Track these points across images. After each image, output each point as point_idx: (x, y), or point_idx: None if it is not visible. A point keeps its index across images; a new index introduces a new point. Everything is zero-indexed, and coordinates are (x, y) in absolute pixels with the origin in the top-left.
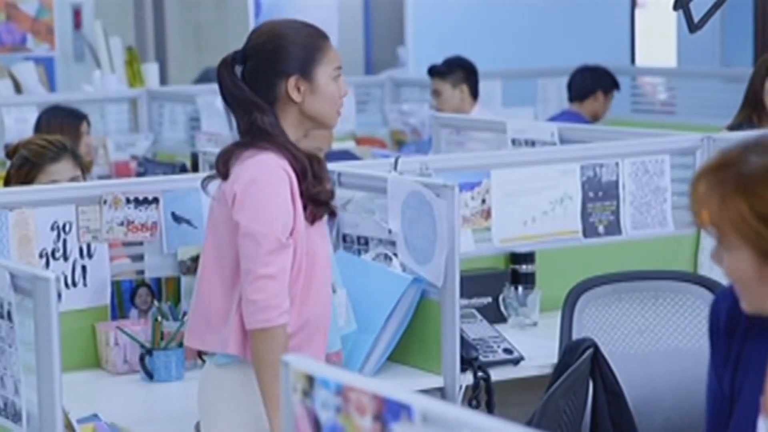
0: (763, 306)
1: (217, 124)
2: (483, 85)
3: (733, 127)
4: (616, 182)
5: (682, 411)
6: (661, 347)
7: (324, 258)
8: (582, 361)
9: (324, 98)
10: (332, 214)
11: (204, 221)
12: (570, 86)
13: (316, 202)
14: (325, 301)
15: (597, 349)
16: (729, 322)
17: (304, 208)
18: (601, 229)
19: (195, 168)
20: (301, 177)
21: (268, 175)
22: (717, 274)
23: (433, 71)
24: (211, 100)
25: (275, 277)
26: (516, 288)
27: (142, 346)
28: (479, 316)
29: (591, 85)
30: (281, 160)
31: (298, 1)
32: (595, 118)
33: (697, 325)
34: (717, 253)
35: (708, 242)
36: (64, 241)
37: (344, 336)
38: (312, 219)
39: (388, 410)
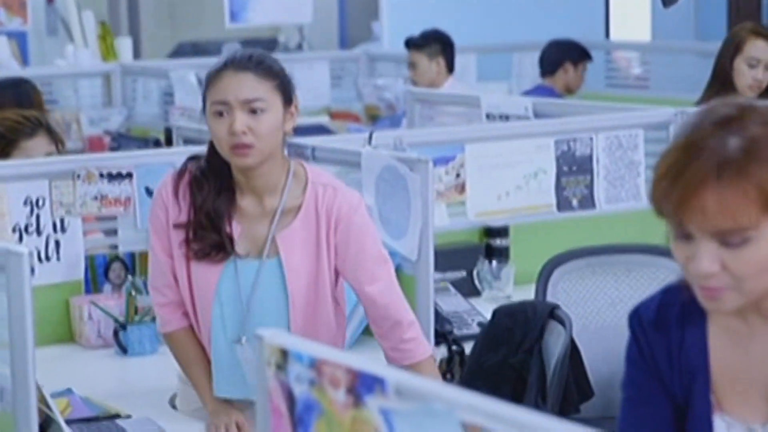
0: None
1: (191, 99)
2: (458, 60)
3: (702, 103)
4: (590, 156)
5: None
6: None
7: (208, 299)
8: (523, 321)
9: (213, 137)
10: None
11: None
12: (541, 61)
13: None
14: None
15: (555, 309)
16: (658, 335)
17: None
18: (575, 203)
19: (169, 142)
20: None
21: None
22: None
23: (410, 43)
24: (184, 74)
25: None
26: (490, 262)
27: (116, 320)
28: (453, 290)
29: (559, 57)
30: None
31: None
32: (569, 91)
33: None
34: (720, 261)
35: None
36: (38, 216)
37: None
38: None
39: (362, 383)
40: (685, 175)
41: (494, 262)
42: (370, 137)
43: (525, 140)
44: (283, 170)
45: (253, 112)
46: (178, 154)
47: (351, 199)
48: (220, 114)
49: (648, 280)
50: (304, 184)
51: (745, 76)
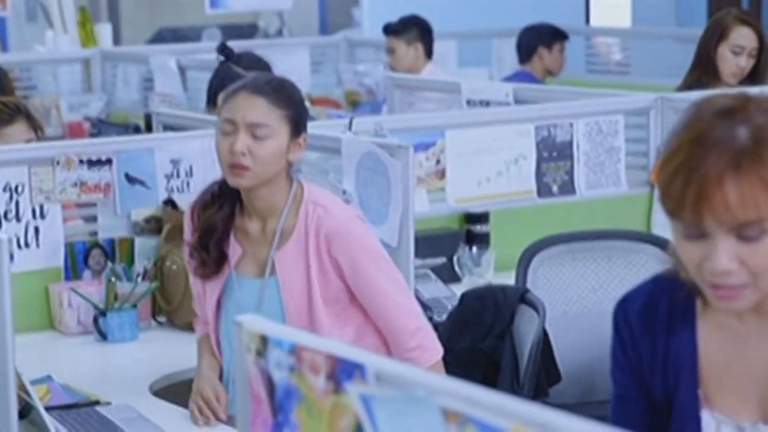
0: None
1: (171, 85)
2: (438, 46)
3: (683, 88)
4: (571, 142)
5: None
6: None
7: (214, 315)
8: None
9: (216, 153)
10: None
11: (157, 182)
12: (518, 47)
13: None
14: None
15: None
16: (644, 327)
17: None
18: (555, 188)
19: (149, 129)
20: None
21: None
22: (669, 233)
23: (389, 29)
24: (164, 60)
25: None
26: (470, 248)
27: (96, 307)
28: (434, 276)
29: (532, 43)
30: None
31: None
32: (550, 73)
33: None
34: (738, 257)
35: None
36: (17, 203)
37: None
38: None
39: (342, 370)
40: (700, 170)
41: (474, 248)
42: (351, 123)
43: (505, 126)
44: (286, 193)
45: (256, 136)
46: (158, 140)
47: (341, 215)
48: (227, 132)
49: (628, 265)
50: (299, 204)
51: (729, 62)
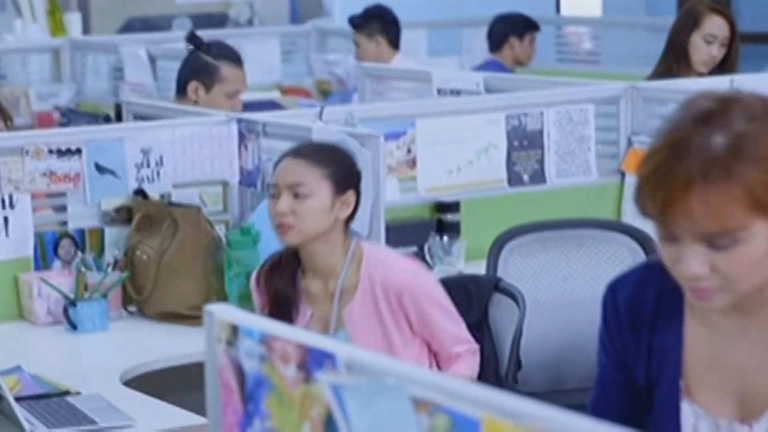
0: (761, 284)
1: (141, 75)
2: (408, 35)
3: (653, 77)
4: (541, 131)
5: None
6: (585, 295)
7: None
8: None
9: None
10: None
11: (127, 172)
12: (489, 36)
13: None
14: None
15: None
16: (631, 315)
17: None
18: (525, 177)
19: (119, 118)
20: None
21: None
22: (640, 222)
23: (352, 22)
24: (134, 50)
25: None
26: (441, 237)
27: (66, 297)
28: None
29: (504, 33)
30: None
31: None
32: (519, 63)
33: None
34: (709, 263)
35: (631, 191)
36: None
37: None
38: None
39: (312, 359)
40: (670, 177)
41: (445, 237)
42: (321, 112)
43: (476, 115)
44: (344, 252)
45: (297, 195)
46: (128, 130)
47: (407, 269)
48: (273, 196)
49: (599, 254)
50: (359, 262)
51: (701, 51)
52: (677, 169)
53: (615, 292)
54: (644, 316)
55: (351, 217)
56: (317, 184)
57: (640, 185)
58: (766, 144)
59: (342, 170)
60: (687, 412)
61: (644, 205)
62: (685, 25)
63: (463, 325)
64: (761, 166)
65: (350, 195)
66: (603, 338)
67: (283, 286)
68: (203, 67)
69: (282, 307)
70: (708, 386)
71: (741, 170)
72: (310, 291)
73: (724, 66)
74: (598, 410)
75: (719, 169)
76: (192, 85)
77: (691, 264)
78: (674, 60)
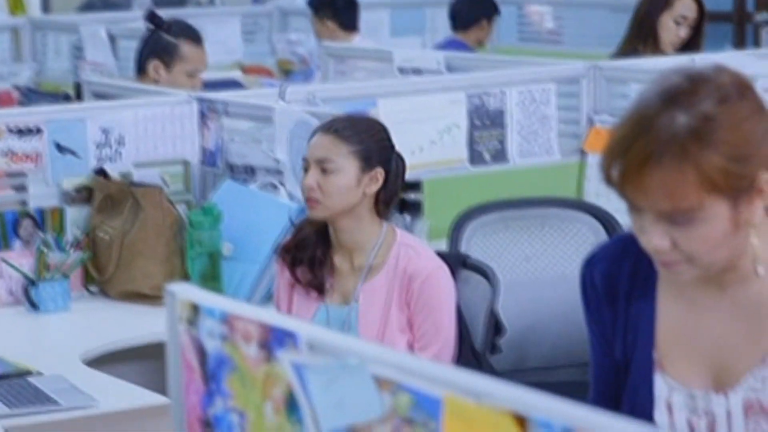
0: (728, 259)
1: (102, 54)
2: (370, 15)
3: (617, 55)
4: (503, 111)
5: (569, 338)
6: (547, 274)
7: None
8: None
9: None
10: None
11: (88, 151)
12: (453, 16)
13: None
14: None
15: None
16: (608, 288)
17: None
18: (488, 157)
19: (79, 98)
20: None
21: None
22: (603, 201)
23: (310, 4)
24: (95, 29)
25: None
26: (403, 216)
27: (27, 277)
28: None
29: (476, 14)
30: None
31: None
32: (479, 44)
33: (583, 252)
34: (670, 238)
35: (594, 171)
36: None
37: (231, 266)
38: None
39: (274, 338)
40: (630, 152)
41: (407, 217)
42: (283, 92)
43: (437, 95)
44: (374, 231)
45: (324, 171)
46: (89, 110)
47: (430, 263)
48: (305, 169)
49: (561, 233)
50: (390, 245)
51: (670, 32)
52: (636, 144)
53: (591, 266)
54: (620, 288)
55: (382, 194)
56: (344, 160)
57: (604, 155)
58: (731, 129)
59: (371, 147)
60: (660, 384)
61: (606, 174)
62: (656, 4)
63: (452, 343)
64: (721, 151)
65: (378, 171)
66: (587, 318)
67: (311, 233)
68: (163, 46)
69: (307, 279)
70: (682, 358)
71: (698, 153)
72: (334, 264)
73: (690, 47)
74: (598, 392)
75: (676, 150)
76: (152, 64)
77: (652, 237)
78: (642, 40)
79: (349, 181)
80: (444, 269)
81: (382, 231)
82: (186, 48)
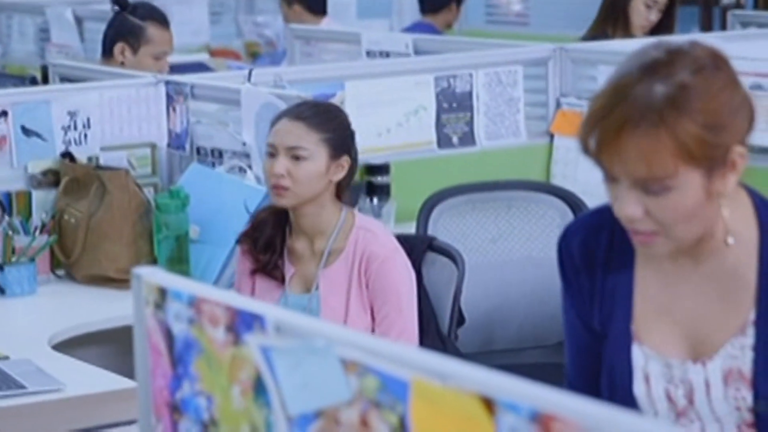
0: (700, 231)
1: (68, 36)
2: None
3: (586, 38)
4: (470, 93)
5: (534, 318)
6: (514, 256)
7: None
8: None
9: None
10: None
11: (54, 134)
12: None
13: None
14: None
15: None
16: (585, 258)
17: None
18: (455, 139)
19: (45, 80)
20: None
21: None
22: (569, 184)
23: None
24: (61, 11)
25: None
26: (371, 199)
27: None
28: None
29: None
30: None
31: None
32: (448, 27)
33: (550, 234)
34: (643, 206)
35: (561, 153)
36: None
37: (198, 249)
38: None
39: (241, 321)
40: (607, 120)
41: (375, 200)
42: (250, 74)
43: (405, 77)
44: (334, 216)
45: (295, 158)
46: (55, 92)
47: (387, 245)
48: (271, 155)
49: (528, 215)
50: (350, 229)
51: (641, 15)
52: (614, 112)
53: (567, 238)
54: (597, 258)
55: (343, 181)
56: (315, 148)
57: (582, 125)
58: (707, 98)
59: (339, 135)
60: (637, 354)
61: (582, 145)
62: None
63: (413, 325)
64: (697, 119)
65: (345, 159)
66: (563, 291)
67: (269, 218)
68: (129, 28)
69: (266, 266)
70: (658, 329)
71: (674, 121)
72: (295, 250)
73: (660, 30)
74: (576, 367)
75: (653, 117)
76: (118, 47)
77: (625, 205)
78: (612, 23)
79: (319, 169)
80: (401, 252)
81: (342, 216)
82: (152, 30)
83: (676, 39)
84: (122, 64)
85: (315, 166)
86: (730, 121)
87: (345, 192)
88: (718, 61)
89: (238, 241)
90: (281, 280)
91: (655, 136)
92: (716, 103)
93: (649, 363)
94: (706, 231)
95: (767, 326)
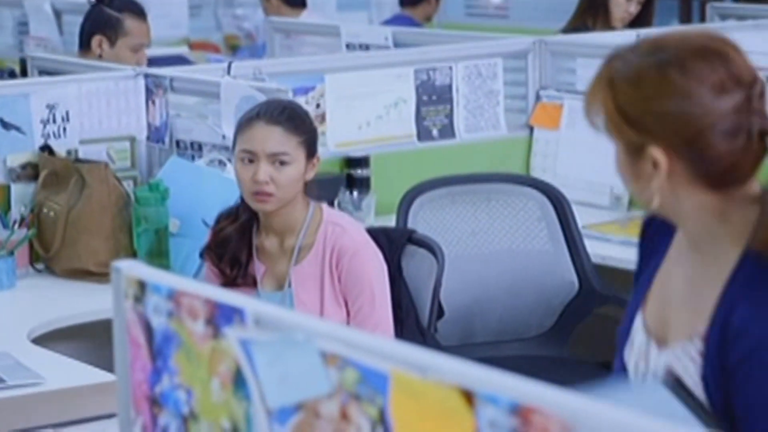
0: (648, 203)
1: (46, 29)
2: None
3: (567, 30)
4: (450, 86)
5: (514, 311)
6: (494, 249)
7: None
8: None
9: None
10: None
11: (33, 127)
12: None
13: None
14: None
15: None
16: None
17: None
18: (435, 132)
19: (24, 73)
20: None
21: None
22: (549, 176)
23: None
24: (39, 4)
25: None
26: (351, 192)
27: None
28: None
29: None
30: None
31: None
32: (427, 19)
33: (530, 226)
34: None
35: (540, 146)
36: None
37: (178, 242)
38: None
39: (221, 314)
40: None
41: (355, 193)
42: (229, 67)
43: (385, 70)
44: (303, 212)
45: (279, 163)
46: (34, 85)
47: (357, 238)
48: (248, 161)
49: (507, 208)
50: (318, 224)
51: (620, 7)
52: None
53: (650, 219)
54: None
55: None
56: (295, 151)
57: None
58: (635, 87)
59: (312, 135)
60: (638, 322)
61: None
62: None
63: (387, 316)
64: (617, 99)
65: (317, 157)
66: (639, 269)
67: (232, 232)
68: (106, 20)
69: (229, 254)
70: (654, 305)
71: (606, 92)
72: (265, 248)
73: (640, 23)
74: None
75: (597, 84)
76: (96, 39)
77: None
78: (591, 15)
79: (299, 172)
80: (371, 244)
81: (310, 211)
82: (129, 22)
83: (645, 38)
84: (100, 56)
85: (296, 170)
86: (648, 120)
87: (312, 187)
88: (687, 68)
89: (201, 256)
90: (253, 283)
91: (598, 98)
92: (641, 96)
93: (637, 334)
94: (715, 223)
95: (712, 344)
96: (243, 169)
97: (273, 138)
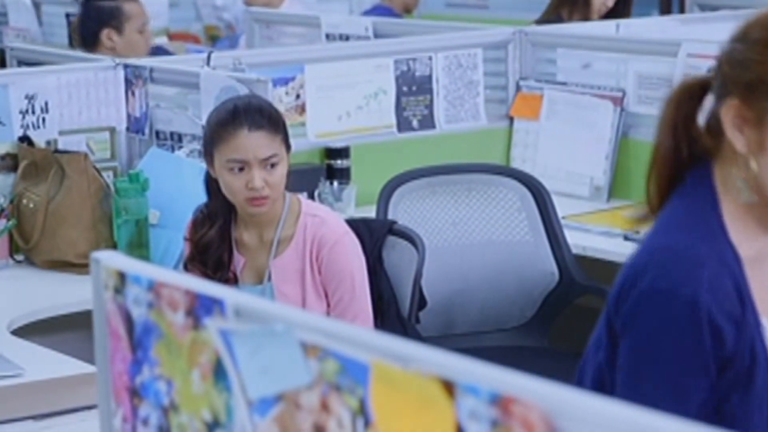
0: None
1: (26, 20)
2: None
3: (541, 22)
4: (430, 76)
5: (495, 302)
6: (474, 239)
7: None
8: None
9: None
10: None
11: (12, 118)
12: None
13: None
14: None
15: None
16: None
17: None
18: (415, 123)
19: (3, 64)
20: None
21: None
22: (529, 167)
23: None
24: None
25: None
26: (331, 183)
27: None
28: None
29: None
30: None
31: None
32: (407, 11)
33: (510, 217)
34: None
35: (520, 136)
36: None
37: (158, 233)
38: None
39: (201, 305)
40: None
41: (335, 183)
42: (209, 58)
43: (365, 60)
44: (279, 204)
45: (269, 166)
46: (13, 76)
47: (336, 229)
48: (239, 169)
49: (488, 199)
50: (297, 216)
51: None
52: None
53: (696, 303)
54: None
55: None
56: (281, 149)
57: None
58: None
59: (285, 130)
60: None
61: None
62: None
63: (367, 306)
64: None
65: (290, 149)
66: (696, 362)
67: (214, 237)
68: (107, 12)
69: (213, 257)
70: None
71: None
72: (243, 241)
73: (618, 14)
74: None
75: None
76: (104, 33)
77: None
78: (569, 6)
79: (286, 168)
80: (350, 235)
81: (287, 203)
82: (127, 6)
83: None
84: (113, 49)
85: (284, 167)
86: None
87: (288, 179)
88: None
89: (186, 268)
90: (234, 279)
91: None
92: None
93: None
94: None
95: None
96: (233, 177)
97: (262, 143)
